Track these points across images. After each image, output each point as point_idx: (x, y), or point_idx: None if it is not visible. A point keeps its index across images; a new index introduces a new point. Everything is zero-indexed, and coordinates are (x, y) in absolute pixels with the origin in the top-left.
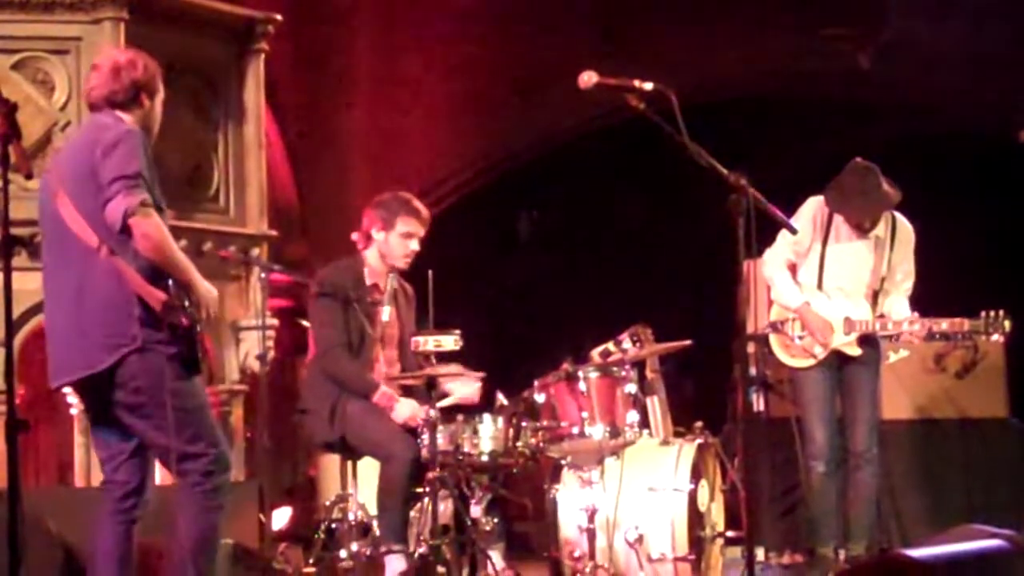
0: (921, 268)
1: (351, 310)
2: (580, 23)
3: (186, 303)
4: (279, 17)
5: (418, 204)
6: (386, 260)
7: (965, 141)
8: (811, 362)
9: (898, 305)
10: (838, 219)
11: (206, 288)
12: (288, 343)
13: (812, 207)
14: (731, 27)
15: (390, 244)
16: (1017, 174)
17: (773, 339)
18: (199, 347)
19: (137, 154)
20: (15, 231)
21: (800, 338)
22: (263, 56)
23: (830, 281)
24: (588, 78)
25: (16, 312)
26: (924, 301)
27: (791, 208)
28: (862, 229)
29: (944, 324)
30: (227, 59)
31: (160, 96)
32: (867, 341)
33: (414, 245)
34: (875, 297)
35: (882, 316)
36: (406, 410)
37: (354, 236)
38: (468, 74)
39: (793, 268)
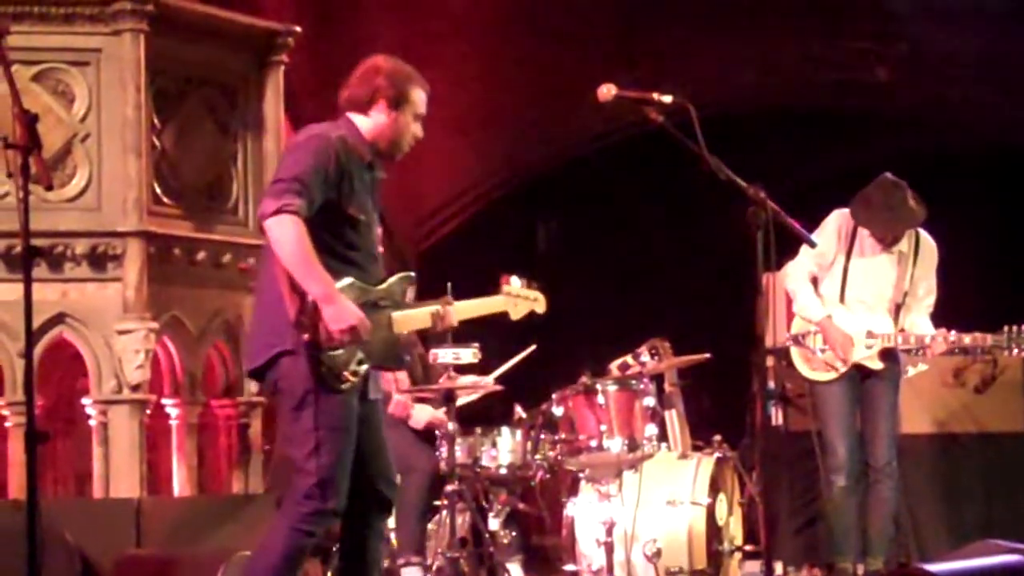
0: (940, 281)
1: None
2: (599, 36)
3: (315, 319)
4: (299, 29)
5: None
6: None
7: (984, 153)
8: (832, 375)
9: (920, 321)
10: (863, 232)
11: (336, 310)
12: None
13: (837, 220)
14: (749, 39)
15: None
16: None
17: (794, 352)
18: (319, 366)
19: (307, 160)
20: (34, 242)
21: (822, 351)
22: (282, 68)
23: (852, 294)
24: (607, 91)
25: (35, 323)
26: (942, 315)
27: (809, 220)
28: (886, 244)
29: (967, 339)
30: (247, 71)
31: (412, 109)
32: (888, 355)
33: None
34: (897, 312)
35: (903, 330)
36: (424, 415)
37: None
38: (486, 87)
39: (815, 281)
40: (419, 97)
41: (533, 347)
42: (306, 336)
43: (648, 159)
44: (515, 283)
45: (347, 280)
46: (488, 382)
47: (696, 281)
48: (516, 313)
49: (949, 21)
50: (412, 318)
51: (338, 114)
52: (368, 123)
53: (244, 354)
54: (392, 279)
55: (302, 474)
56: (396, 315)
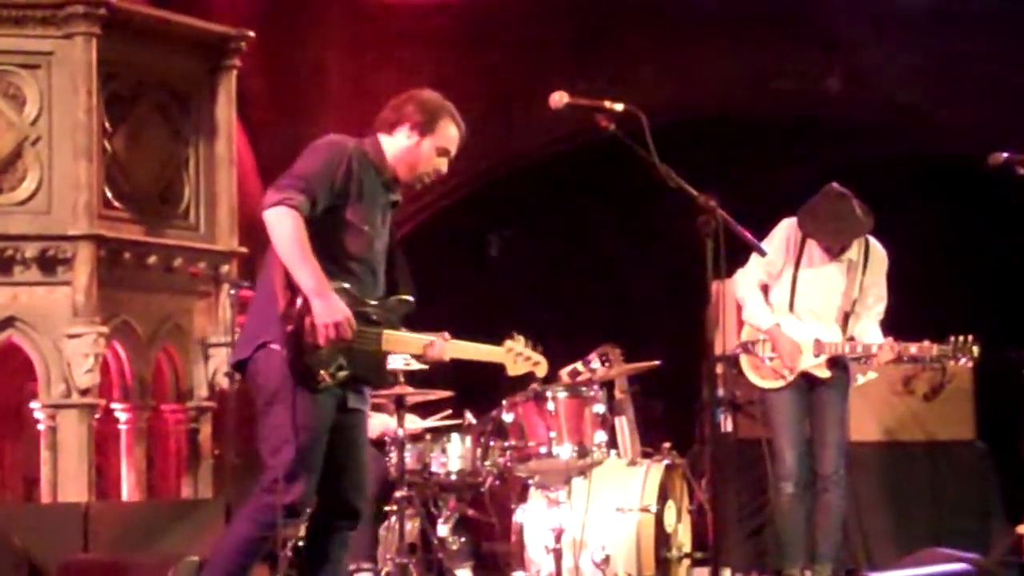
0: (888, 290)
1: None
2: (553, 43)
3: (303, 313)
4: (251, 33)
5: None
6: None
7: (931, 162)
8: (781, 383)
9: (869, 329)
10: (811, 242)
11: (324, 305)
12: None
13: (785, 229)
14: (703, 49)
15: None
16: (985, 196)
17: (744, 360)
18: (298, 362)
19: (317, 161)
20: None
21: (771, 359)
22: (235, 73)
23: (802, 303)
24: (559, 98)
25: None
26: (890, 323)
27: (761, 229)
28: (834, 253)
29: (913, 348)
30: (199, 75)
31: (436, 141)
32: (836, 364)
33: (444, 167)
34: (846, 320)
35: (852, 339)
36: (377, 425)
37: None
38: (439, 92)
39: (765, 289)
40: (447, 131)
41: (449, 412)
42: (290, 327)
43: (600, 166)
44: (520, 340)
45: (343, 285)
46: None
47: (646, 288)
48: (514, 370)
49: (898, 29)
50: (403, 340)
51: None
52: (391, 144)
53: (234, 348)
54: (391, 298)
55: (267, 469)
56: (388, 333)
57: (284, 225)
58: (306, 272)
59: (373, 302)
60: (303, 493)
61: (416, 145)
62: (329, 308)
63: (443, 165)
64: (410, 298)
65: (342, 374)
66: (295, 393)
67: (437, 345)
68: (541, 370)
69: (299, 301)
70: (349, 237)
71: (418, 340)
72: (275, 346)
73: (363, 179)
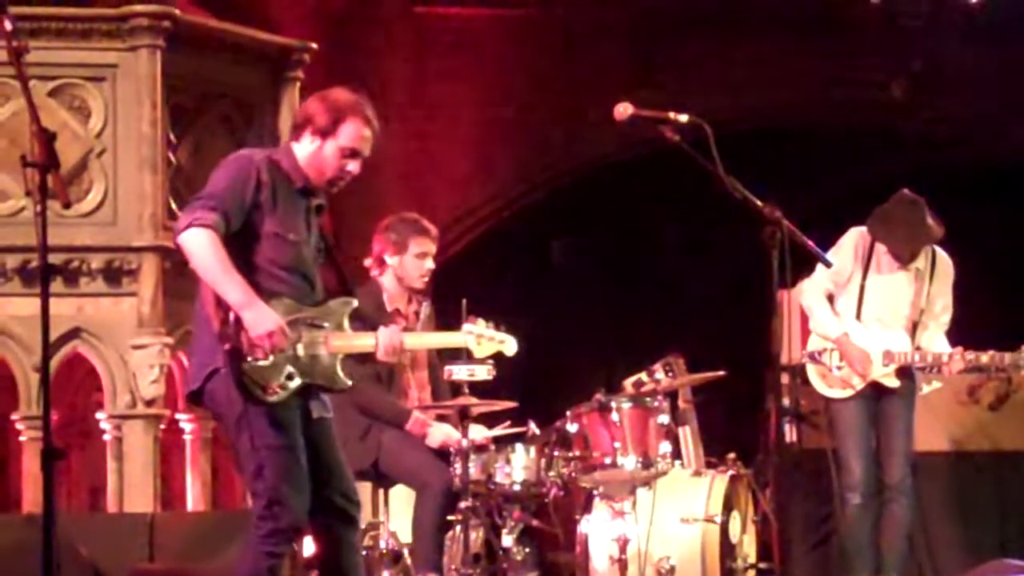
0: (954, 299)
1: None
2: (616, 51)
3: (238, 329)
4: (314, 45)
5: (426, 223)
6: (403, 283)
7: (998, 171)
8: (849, 393)
9: (936, 338)
10: (879, 250)
11: (254, 316)
12: None
13: (854, 237)
14: (765, 58)
15: (405, 267)
16: None
17: (810, 369)
18: (242, 375)
19: (224, 179)
20: (50, 257)
21: (838, 368)
22: (298, 84)
23: (869, 312)
24: (624, 110)
25: (51, 338)
26: (957, 332)
27: (824, 238)
28: (903, 261)
29: (984, 358)
30: (262, 87)
31: (339, 143)
32: (904, 373)
33: (429, 264)
34: (914, 329)
35: (920, 348)
36: (440, 435)
37: (367, 263)
38: (501, 101)
39: (830, 298)
40: (352, 132)
41: (524, 428)
42: (227, 346)
43: (664, 176)
44: (480, 323)
45: (277, 295)
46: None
47: (711, 298)
48: (480, 351)
49: (963, 38)
50: (350, 340)
51: None
52: (300, 149)
53: (187, 379)
54: (330, 302)
55: (254, 497)
56: (332, 335)
57: (199, 245)
58: (230, 287)
59: (312, 307)
60: (298, 510)
61: (319, 149)
62: (259, 319)
63: (353, 166)
64: (352, 299)
65: (294, 383)
66: (255, 416)
67: (384, 336)
68: (508, 348)
69: (232, 318)
70: (275, 248)
71: (366, 337)
72: (223, 370)
73: (277, 188)
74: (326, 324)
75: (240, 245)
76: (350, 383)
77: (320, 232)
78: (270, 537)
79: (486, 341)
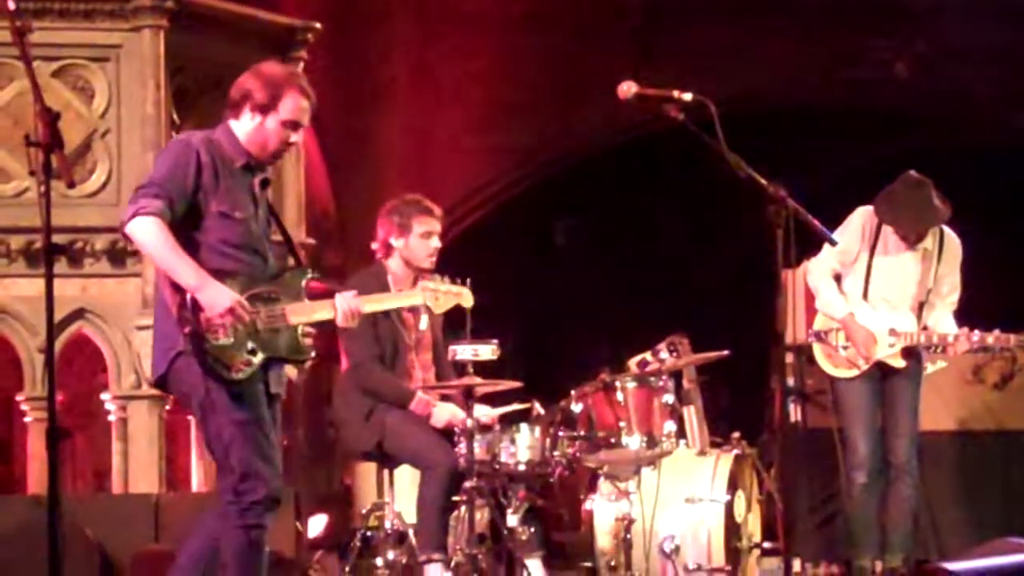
0: (961, 279)
1: (383, 320)
2: (619, 31)
3: (196, 310)
4: (318, 26)
5: (429, 203)
6: (411, 264)
7: (1005, 152)
8: (855, 373)
9: (943, 319)
10: (887, 230)
11: (209, 295)
12: (323, 349)
13: (861, 217)
14: (770, 37)
15: (412, 247)
16: None
17: (816, 349)
18: (205, 356)
19: (165, 165)
20: (54, 238)
21: (844, 348)
22: (302, 64)
23: (876, 292)
24: (627, 88)
25: (55, 318)
26: (964, 312)
27: (829, 218)
28: (910, 241)
29: (990, 338)
30: None
31: (280, 116)
32: (910, 353)
33: (435, 243)
34: (920, 309)
35: (926, 328)
36: (444, 414)
37: (373, 246)
38: (505, 82)
39: (837, 278)
40: (292, 104)
41: (529, 405)
42: (187, 328)
43: (667, 155)
44: (436, 278)
45: (231, 274)
46: (489, 414)
47: (715, 277)
48: (438, 307)
49: (967, 18)
50: (309, 309)
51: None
52: (240, 127)
53: (152, 365)
54: (285, 274)
55: (225, 472)
56: (291, 306)
57: (147, 232)
58: (183, 270)
59: (267, 282)
60: (272, 480)
61: (261, 125)
62: (215, 299)
63: (296, 137)
64: (307, 269)
65: (258, 359)
66: (222, 392)
67: (342, 302)
68: (466, 300)
69: (188, 301)
70: (223, 227)
71: (324, 305)
72: (186, 353)
73: (218, 168)
74: (283, 297)
75: (189, 228)
76: (313, 353)
77: (268, 206)
78: (250, 510)
79: (443, 295)
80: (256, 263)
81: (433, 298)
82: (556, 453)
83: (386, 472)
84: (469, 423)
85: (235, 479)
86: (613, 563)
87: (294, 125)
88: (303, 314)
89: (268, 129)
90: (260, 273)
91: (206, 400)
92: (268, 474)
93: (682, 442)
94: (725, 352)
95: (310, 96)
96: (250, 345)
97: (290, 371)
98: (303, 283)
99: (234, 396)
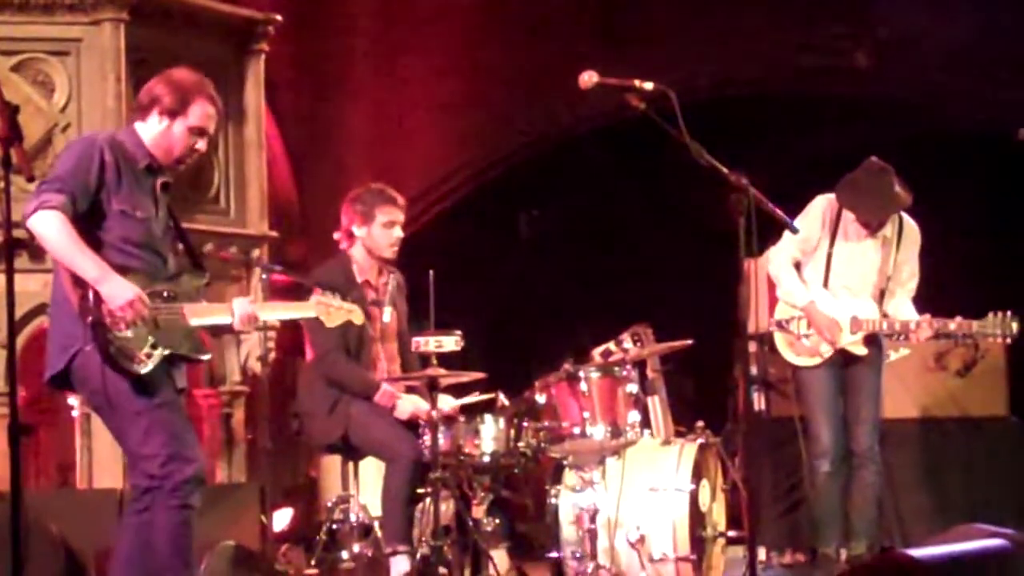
0: (923, 266)
1: None
2: (580, 22)
3: (98, 303)
4: (279, 18)
5: (392, 192)
6: (373, 253)
7: (965, 139)
8: (817, 361)
9: (903, 305)
10: (847, 218)
11: (111, 288)
12: (288, 343)
13: (821, 204)
14: (731, 25)
15: (374, 236)
16: (1018, 173)
17: (778, 337)
18: (109, 347)
19: (68, 162)
20: (16, 233)
21: (806, 336)
22: (263, 57)
23: (836, 280)
24: (589, 78)
25: (17, 314)
26: (926, 299)
27: (790, 207)
28: (871, 229)
29: (952, 325)
30: (227, 60)
31: (188, 122)
32: (872, 341)
33: (398, 232)
34: (881, 296)
35: (888, 316)
36: (408, 406)
37: (336, 236)
38: (467, 74)
39: (798, 266)
40: (200, 111)
41: (493, 395)
42: (89, 319)
43: (631, 146)
44: (327, 295)
45: (132, 270)
46: (453, 404)
47: (678, 267)
48: (330, 321)
49: (929, 4)
50: (206, 311)
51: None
52: (146, 130)
53: (46, 365)
54: (183, 275)
55: (145, 460)
56: (188, 306)
57: (49, 226)
58: (85, 264)
59: (165, 281)
60: (197, 457)
61: (168, 129)
62: (117, 291)
63: (201, 144)
64: (204, 272)
65: (157, 352)
66: (128, 382)
67: (239, 306)
68: (357, 317)
69: (91, 294)
70: (124, 225)
71: (221, 308)
72: (88, 348)
73: (121, 168)
74: (180, 297)
75: (90, 224)
76: (210, 354)
77: (168, 209)
78: (179, 489)
79: (335, 311)
80: (155, 262)
81: (325, 312)
82: (520, 444)
83: (351, 465)
84: (434, 415)
85: (157, 463)
86: (579, 553)
87: (200, 132)
88: (201, 315)
89: (175, 134)
90: (159, 273)
91: (112, 392)
92: (191, 454)
93: (646, 432)
94: (688, 342)
95: (218, 105)
96: (151, 340)
97: (254, 365)
98: (200, 285)
99: (141, 385)
